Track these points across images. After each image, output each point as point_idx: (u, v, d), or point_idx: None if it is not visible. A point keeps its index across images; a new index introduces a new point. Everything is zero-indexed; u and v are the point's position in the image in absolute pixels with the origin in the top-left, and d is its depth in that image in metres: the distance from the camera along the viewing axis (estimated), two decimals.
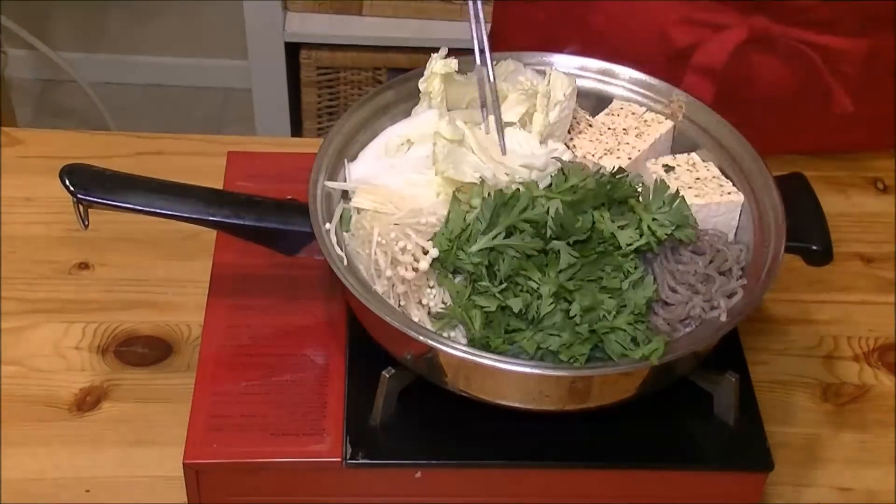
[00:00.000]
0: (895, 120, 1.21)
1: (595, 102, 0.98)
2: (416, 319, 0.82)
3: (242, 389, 0.87)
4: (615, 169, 0.86)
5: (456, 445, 0.86)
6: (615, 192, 0.83)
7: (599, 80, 0.99)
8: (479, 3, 0.87)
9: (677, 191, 0.85)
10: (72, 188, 0.85)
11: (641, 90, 0.98)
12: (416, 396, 0.85)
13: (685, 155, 0.94)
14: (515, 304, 0.79)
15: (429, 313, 0.83)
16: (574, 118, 0.94)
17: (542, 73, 0.94)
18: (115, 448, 0.93)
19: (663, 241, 0.82)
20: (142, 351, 1.00)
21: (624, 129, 0.95)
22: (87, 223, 0.87)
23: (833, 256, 0.89)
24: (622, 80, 0.99)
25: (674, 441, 0.87)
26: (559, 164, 0.87)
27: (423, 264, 0.81)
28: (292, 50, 2.20)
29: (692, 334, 0.82)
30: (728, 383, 0.86)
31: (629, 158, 0.92)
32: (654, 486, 0.87)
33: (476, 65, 0.90)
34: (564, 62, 0.98)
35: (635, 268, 0.81)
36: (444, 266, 0.82)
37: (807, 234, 0.89)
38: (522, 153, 0.88)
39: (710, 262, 0.84)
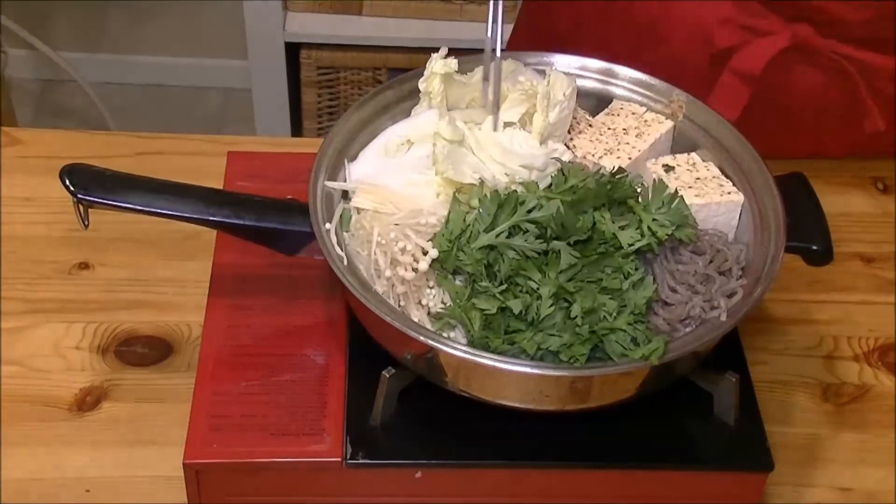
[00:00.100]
0: None
1: (595, 102, 0.98)
2: (415, 319, 0.82)
3: (242, 389, 0.87)
4: (615, 169, 0.86)
5: (456, 445, 0.86)
6: (615, 193, 0.83)
7: (599, 80, 0.99)
8: (500, 4, 0.87)
9: (676, 191, 0.85)
10: (72, 188, 0.85)
11: (641, 90, 0.98)
12: (416, 396, 0.85)
13: (685, 155, 0.94)
14: (515, 306, 0.79)
15: (428, 314, 0.83)
16: (574, 118, 0.94)
17: (542, 73, 0.94)
18: (115, 448, 0.93)
19: (664, 241, 0.82)
20: (142, 351, 1.00)
21: (624, 129, 0.95)
22: (87, 223, 0.87)
23: (833, 256, 0.89)
24: (622, 80, 0.99)
25: (674, 441, 0.87)
26: (559, 165, 0.87)
27: (423, 265, 0.81)
28: (292, 50, 2.20)
29: (692, 334, 0.82)
30: (728, 383, 0.86)
31: (629, 158, 0.92)
32: (654, 486, 0.87)
33: (482, 65, 0.89)
34: (564, 62, 0.98)
35: (636, 269, 0.81)
36: (444, 267, 0.82)
37: (807, 234, 0.89)
38: (522, 153, 0.88)
39: (710, 262, 0.84)
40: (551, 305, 0.79)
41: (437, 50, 0.92)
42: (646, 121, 0.96)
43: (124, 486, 0.91)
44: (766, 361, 1.02)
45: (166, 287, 1.05)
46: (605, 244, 0.81)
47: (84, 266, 1.06)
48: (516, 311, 0.79)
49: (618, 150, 0.92)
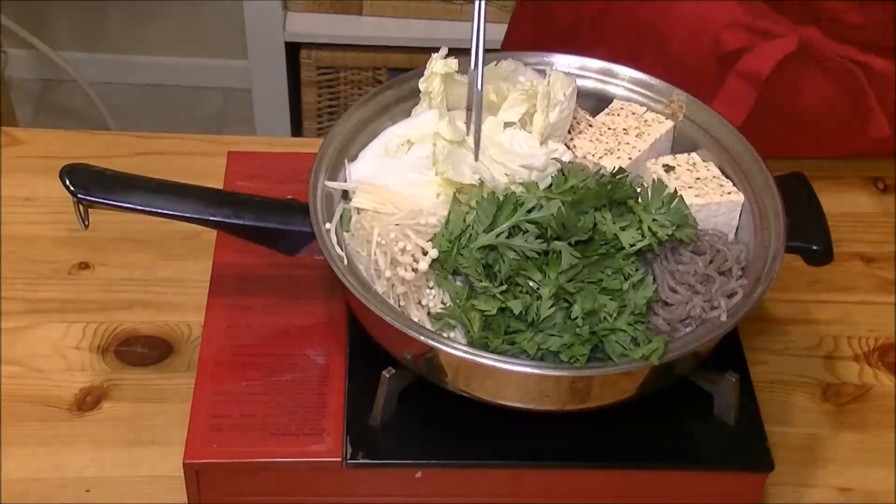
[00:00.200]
0: None
1: (595, 102, 0.98)
2: (415, 320, 0.82)
3: (242, 389, 0.87)
4: (615, 169, 0.86)
5: (456, 445, 0.86)
6: (616, 193, 0.83)
7: (599, 80, 0.99)
8: (482, 3, 0.87)
9: (675, 191, 0.85)
10: (72, 188, 0.85)
11: (641, 90, 0.98)
12: (416, 396, 0.85)
13: (685, 155, 0.94)
14: (515, 307, 0.79)
15: (428, 314, 0.83)
16: (574, 118, 0.94)
17: (542, 73, 0.94)
18: (115, 448, 0.93)
19: (664, 241, 0.82)
20: (142, 351, 1.00)
21: (624, 129, 0.95)
22: (87, 223, 0.87)
23: (833, 256, 0.89)
24: (622, 80, 0.99)
25: (674, 441, 0.87)
26: (559, 165, 0.87)
27: (423, 265, 0.81)
28: (292, 50, 2.20)
29: (692, 334, 0.82)
30: (728, 383, 0.86)
31: (629, 158, 0.92)
32: (654, 486, 0.87)
33: (470, 67, 0.89)
34: (564, 62, 0.98)
35: (636, 269, 0.81)
36: (444, 267, 0.82)
37: (807, 234, 0.89)
38: (522, 153, 0.88)
39: (710, 262, 0.84)
40: (552, 306, 0.79)
41: (437, 50, 0.92)
42: (646, 121, 0.96)
43: (124, 486, 0.91)
44: (766, 361, 1.02)
45: (166, 287, 1.05)
46: (606, 245, 0.81)
47: (84, 266, 1.06)
48: (516, 312, 0.79)
49: (618, 150, 0.92)
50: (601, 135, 0.94)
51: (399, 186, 0.87)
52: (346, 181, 0.89)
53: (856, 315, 1.08)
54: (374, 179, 0.88)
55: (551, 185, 0.85)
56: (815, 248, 0.89)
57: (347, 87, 2.24)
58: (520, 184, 0.86)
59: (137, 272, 1.06)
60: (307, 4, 2.17)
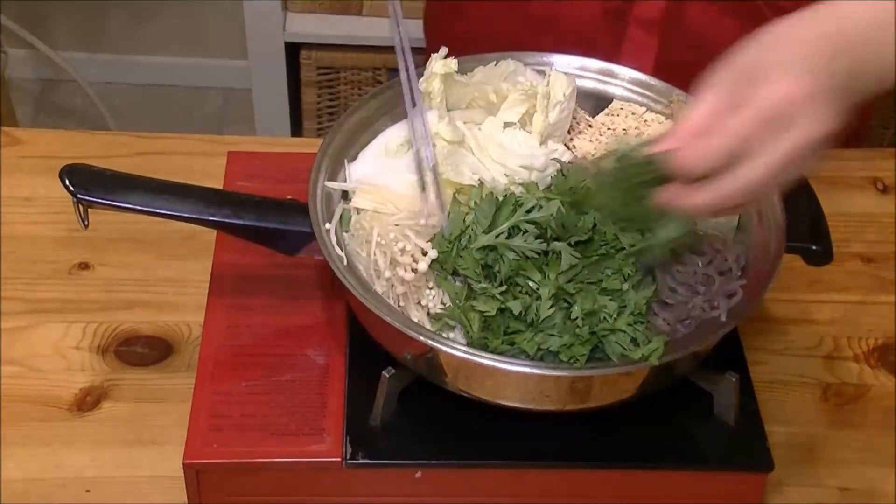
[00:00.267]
0: None
1: (595, 102, 0.98)
2: (415, 320, 0.82)
3: (242, 389, 0.87)
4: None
5: (456, 445, 0.86)
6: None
7: (599, 80, 0.99)
8: (398, 3, 0.87)
9: None
10: (72, 188, 0.85)
11: (641, 90, 0.98)
12: (416, 396, 0.85)
13: None
14: (515, 307, 0.79)
15: (428, 314, 0.83)
16: (574, 118, 0.94)
17: (542, 73, 0.94)
18: (115, 448, 0.93)
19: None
20: (142, 351, 1.00)
21: (624, 130, 0.95)
22: (87, 223, 0.87)
23: (833, 256, 0.89)
24: (622, 80, 0.99)
25: (674, 441, 0.87)
26: (559, 165, 0.86)
27: (422, 265, 0.81)
28: (292, 50, 2.20)
29: (692, 334, 0.82)
30: (728, 383, 0.86)
31: None
32: (654, 486, 0.87)
33: (482, 65, 0.89)
34: (564, 62, 0.98)
35: (636, 270, 0.81)
36: (444, 268, 0.82)
37: (807, 234, 0.89)
38: (522, 154, 0.88)
39: (710, 262, 0.84)
40: (551, 306, 0.79)
41: (437, 50, 0.92)
42: (646, 121, 0.96)
43: (124, 486, 0.91)
44: (766, 361, 1.02)
45: (166, 287, 1.05)
46: (606, 245, 0.81)
47: (84, 266, 1.06)
48: (516, 312, 0.79)
49: None
50: (601, 135, 0.94)
51: (399, 186, 0.87)
52: (346, 181, 0.90)
53: (856, 315, 1.08)
54: (374, 179, 0.88)
55: (551, 185, 0.85)
56: (815, 248, 0.89)
57: (347, 87, 2.24)
58: (520, 184, 0.86)
59: (137, 272, 1.06)
60: (307, 4, 2.17)
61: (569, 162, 0.88)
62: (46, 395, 0.96)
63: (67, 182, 0.85)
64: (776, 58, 0.71)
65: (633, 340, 0.79)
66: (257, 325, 0.92)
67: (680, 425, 0.88)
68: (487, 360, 0.78)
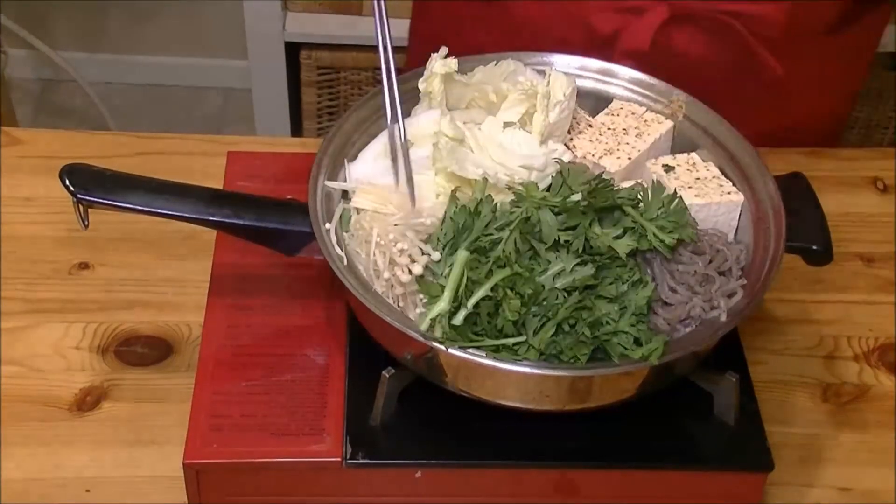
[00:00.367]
0: (822, 86, 1.22)
1: (595, 102, 0.98)
2: (414, 320, 0.82)
3: (242, 389, 0.87)
4: (598, 178, 0.84)
5: (456, 445, 0.86)
6: (598, 202, 0.81)
7: (599, 80, 0.99)
8: (382, 2, 0.87)
9: (675, 191, 0.85)
10: (72, 188, 0.85)
11: (641, 90, 0.98)
12: (416, 396, 0.85)
13: (685, 155, 0.94)
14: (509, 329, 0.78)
15: None
16: (574, 118, 0.94)
17: (542, 73, 0.94)
18: (115, 448, 0.93)
19: (673, 247, 0.82)
20: (142, 351, 1.00)
21: (624, 129, 0.95)
22: (87, 223, 0.87)
23: (833, 256, 0.89)
24: (622, 80, 0.99)
25: (674, 441, 0.87)
26: (559, 165, 0.86)
27: (417, 268, 0.81)
28: (292, 50, 2.20)
29: (692, 334, 0.82)
30: (728, 383, 0.86)
31: (629, 158, 0.92)
32: (654, 486, 0.87)
33: (481, 65, 0.89)
34: (564, 62, 0.98)
35: (633, 274, 0.81)
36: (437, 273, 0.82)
37: (807, 234, 0.89)
38: (522, 153, 0.88)
39: (710, 262, 0.84)
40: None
41: (437, 50, 0.92)
42: (646, 121, 0.96)
43: (124, 486, 0.91)
44: (766, 361, 1.02)
45: (166, 287, 1.05)
46: (602, 257, 0.81)
47: (84, 266, 1.06)
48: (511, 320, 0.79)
49: (617, 150, 0.92)
50: (601, 135, 0.94)
51: (399, 187, 0.87)
52: (345, 181, 0.89)
53: (856, 315, 1.08)
54: (373, 179, 0.88)
55: (550, 186, 0.84)
56: (815, 248, 0.89)
57: (347, 87, 2.24)
58: (519, 184, 0.86)
59: (137, 272, 1.06)
60: (307, 4, 2.17)
61: (569, 162, 0.88)
62: (46, 395, 0.96)
63: (67, 182, 0.85)
64: None
65: (636, 340, 0.79)
66: (257, 325, 0.92)
67: (680, 425, 0.88)
68: (487, 360, 0.78)
